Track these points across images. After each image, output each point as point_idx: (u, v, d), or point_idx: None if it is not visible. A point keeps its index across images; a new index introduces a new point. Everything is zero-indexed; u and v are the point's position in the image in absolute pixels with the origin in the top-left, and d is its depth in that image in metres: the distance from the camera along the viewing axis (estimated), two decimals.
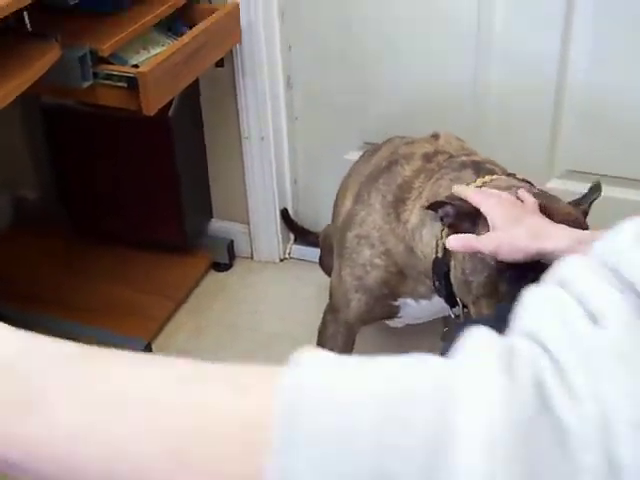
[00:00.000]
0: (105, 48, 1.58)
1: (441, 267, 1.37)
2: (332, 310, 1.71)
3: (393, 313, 1.61)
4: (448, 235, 1.29)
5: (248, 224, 2.31)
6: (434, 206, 1.32)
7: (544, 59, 1.86)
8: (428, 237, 1.40)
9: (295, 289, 2.27)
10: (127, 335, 2.04)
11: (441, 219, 1.33)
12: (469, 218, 1.28)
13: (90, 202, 2.33)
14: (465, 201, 1.28)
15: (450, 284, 1.37)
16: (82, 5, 1.62)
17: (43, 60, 1.45)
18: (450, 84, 1.96)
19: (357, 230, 1.56)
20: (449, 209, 1.30)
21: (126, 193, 2.24)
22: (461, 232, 1.26)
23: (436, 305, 1.51)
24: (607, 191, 1.96)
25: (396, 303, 1.58)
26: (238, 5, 1.88)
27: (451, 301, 1.40)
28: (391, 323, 1.75)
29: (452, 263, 1.34)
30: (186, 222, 2.25)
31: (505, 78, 1.91)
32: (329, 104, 2.12)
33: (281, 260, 2.36)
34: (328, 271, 1.89)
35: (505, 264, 1.19)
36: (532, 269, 1.14)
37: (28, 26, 1.48)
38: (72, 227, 2.38)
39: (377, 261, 1.53)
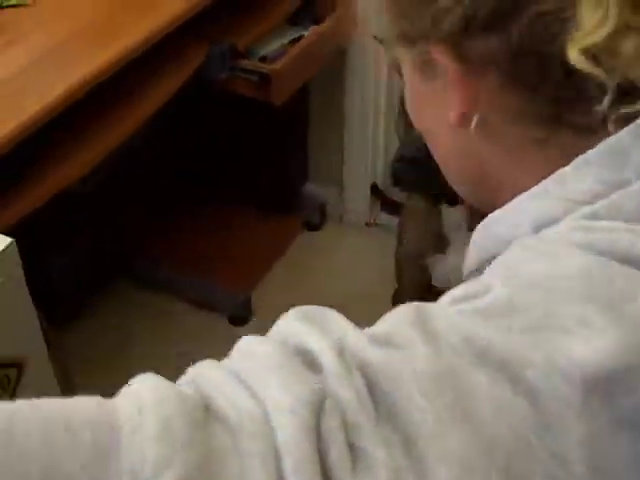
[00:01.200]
0: (243, 45, 1.77)
1: None
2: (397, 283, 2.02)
3: (428, 279, 1.84)
4: None
5: (341, 188, 2.52)
6: None
7: None
8: None
9: (378, 252, 2.48)
10: (228, 287, 2.28)
11: None
12: None
13: (198, 161, 2.54)
14: None
15: None
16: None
17: (194, 60, 1.66)
18: None
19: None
20: None
21: (233, 156, 2.45)
22: None
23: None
24: None
25: (425, 263, 1.81)
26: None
27: None
28: None
29: None
30: (284, 184, 2.47)
31: None
32: None
33: (367, 224, 2.57)
34: None
35: None
36: None
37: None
38: (179, 183, 2.60)
39: (409, 223, 1.89)
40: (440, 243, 1.76)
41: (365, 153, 2.40)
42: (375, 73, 2.23)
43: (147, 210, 2.52)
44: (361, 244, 2.53)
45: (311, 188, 2.57)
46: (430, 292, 1.84)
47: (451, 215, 1.73)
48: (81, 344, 2.20)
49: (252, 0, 1.91)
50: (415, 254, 1.83)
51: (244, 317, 2.25)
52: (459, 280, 1.72)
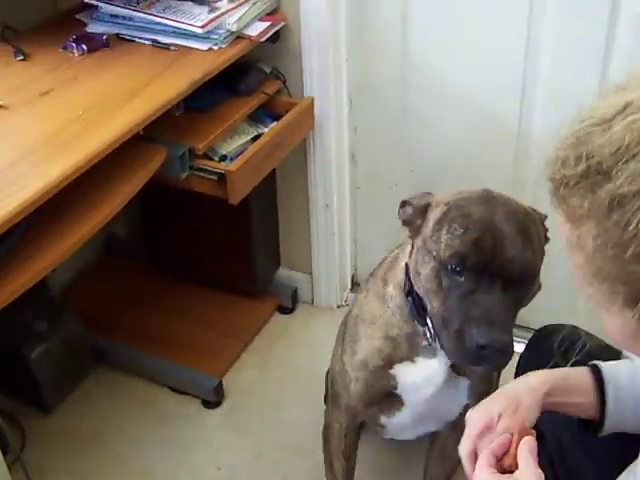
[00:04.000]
0: (201, 147, 1.89)
1: (405, 282, 1.47)
2: (333, 398, 1.77)
3: (392, 387, 1.58)
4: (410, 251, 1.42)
5: (311, 274, 2.62)
6: (401, 208, 1.45)
7: None
8: (399, 271, 1.50)
9: None
10: (201, 371, 2.36)
11: (403, 221, 1.44)
12: (421, 214, 1.39)
13: (173, 247, 2.65)
14: (420, 198, 1.41)
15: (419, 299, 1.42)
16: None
17: (154, 162, 1.77)
18: (490, 173, 2.23)
19: (355, 311, 1.65)
20: (408, 208, 1.42)
21: (206, 243, 2.55)
22: (415, 229, 1.39)
23: (434, 373, 1.52)
24: None
25: (392, 371, 1.55)
26: (313, 99, 2.18)
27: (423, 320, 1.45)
28: (386, 430, 1.75)
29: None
30: (257, 270, 2.56)
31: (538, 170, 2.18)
32: (387, 177, 2.41)
33: (338, 306, 2.66)
34: None
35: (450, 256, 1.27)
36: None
37: (140, 131, 1.78)
38: (156, 267, 2.72)
39: (369, 331, 1.56)
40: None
41: (331, 238, 2.50)
42: (336, 159, 2.36)
43: (122, 298, 2.63)
44: (333, 326, 2.60)
45: (283, 273, 2.67)
46: None
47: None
48: (61, 432, 2.28)
49: (214, 101, 2.05)
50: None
51: (217, 401, 2.33)
52: None
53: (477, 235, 1.26)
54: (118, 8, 2.03)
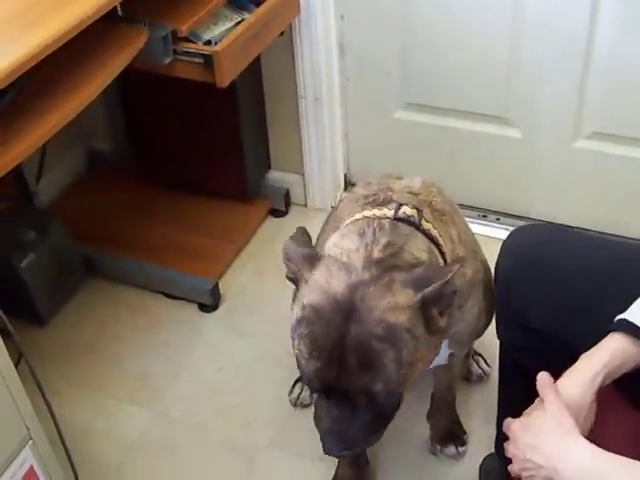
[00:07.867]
0: (184, 29, 1.80)
1: None
2: None
3: None
4: None
5: (303, 175, 2.55)
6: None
7: (574, 27, 2.03)
8: None
9: None
10: (197, 275, 2.31)
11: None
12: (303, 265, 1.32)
13: (160, 154, 2.58)
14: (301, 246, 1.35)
15: None
16: None
17: (135, 44, 1.69)
18: (487, 52, 2.16)
19: None
20: (290, 265, 1.38)
21: (194, 147, 2.48)
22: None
23: None
24: (632, 152, 2.17)
25: None
26: None
27: None
28: None
29: None
30: (247, 173, 2.49)
31: (537, 45, 2.10)
32: (378, 67, 2.33)
33: (331, 207, 2.60)
34: None
35: None
36: None
37: (119, 11, 1.70)
38: (144, 177, 2.64)
39: None
40: None
41: (322, 134, 2.43)
42: (324, 50, 2.28)
43: (112, 209, 2.56)
44: None
45: (275, 175, 2.60)
46: None
47: None
48: (57, 343, 2.23)
49: None
50: None
51: (213, 304, 2.28)
52: None
53: (319, 366, 1.20)
54: None
